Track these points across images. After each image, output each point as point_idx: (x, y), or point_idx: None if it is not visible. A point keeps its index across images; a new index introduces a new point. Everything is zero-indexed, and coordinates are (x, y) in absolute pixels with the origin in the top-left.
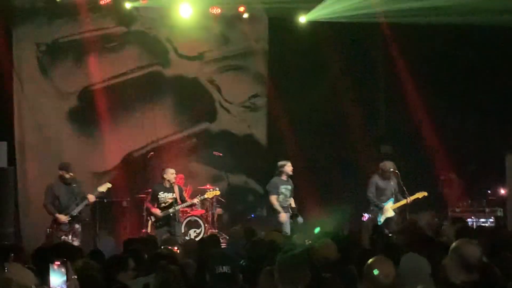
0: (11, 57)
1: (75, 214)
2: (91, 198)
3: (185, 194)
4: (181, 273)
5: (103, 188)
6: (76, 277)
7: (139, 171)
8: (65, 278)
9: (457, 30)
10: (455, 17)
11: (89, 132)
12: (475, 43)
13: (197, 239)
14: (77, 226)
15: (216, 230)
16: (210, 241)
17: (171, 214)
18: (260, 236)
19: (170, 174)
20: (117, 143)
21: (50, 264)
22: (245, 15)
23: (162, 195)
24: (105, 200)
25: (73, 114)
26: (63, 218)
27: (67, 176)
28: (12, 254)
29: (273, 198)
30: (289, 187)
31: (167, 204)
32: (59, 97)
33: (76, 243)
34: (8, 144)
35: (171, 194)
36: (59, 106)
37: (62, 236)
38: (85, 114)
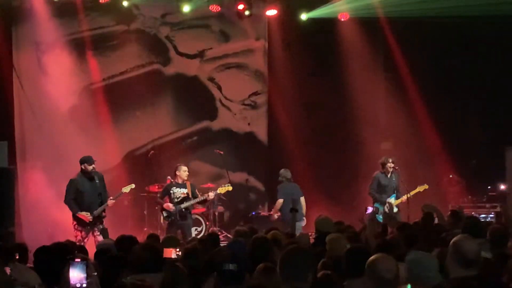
0: (11, 57)
1: (96, 215)
2: (111, 203)
3: (197, 191)
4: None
5: (126, 189)
6: (96, 273)
7: (140, 170)
8: (85, 275)
9: (457, 26)
10: (455, 12)
11: (89, 131)
12: (475, 39)
13: (198, 237)
14: (99, 224)
15: (217, 228)
16: (210, 240)
17: (183, 209)
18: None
19: (183, 171)
20: (118, 141)
21: (70, 261)
22: (245, 13)
23: (174, 190)
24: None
25: (74, 113)
26: (87, 216)
27: (89, 168)
28: (17, 254)
29: None
30: None
31: (179, 199)
32: (60, 96)
33: (101, 238)
34: (9, 143)
35: (184, 190)
36: (60, 105)
37: (82, 236)
38: (86, 113)
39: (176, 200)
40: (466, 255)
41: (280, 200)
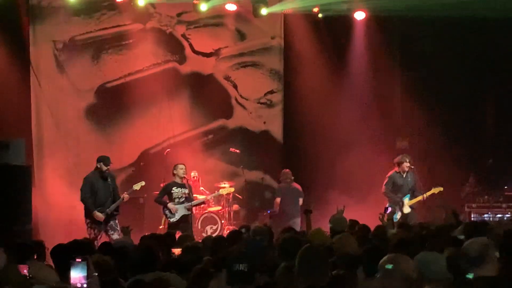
0: (29, 55)
1: (109, 212)
2: (126, 197)
3: (197, 192)
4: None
5: (137, 186)
6: (96, 274)
7: (155, 168)
8: (85, 274)
9: (475, 24)
10: (474, 9)
11: (105, 129)
12: (493, 36)
13: (214, 235)
14: (112, 221)
15: (233, 227)
16: (233, 237)
17: (187, 210)
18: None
19: (180, 169)
20: (134, 140)
21: (71, 261)
22: (262, 11)
23: (175, 190)
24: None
25: (90, 111)
26: (100, 216)
27: (104, 168)
28: (35, 252)
29: None
30: None
31: (181, 199)
32: (76, 94)
33: (115, 236)
34: (26, 141)
35: (185, 190)
36: (76, 103)
37: (95, 233)
38: (102, 111)
39: (177, 200)
40: (469, 254)
41: (278, 199)
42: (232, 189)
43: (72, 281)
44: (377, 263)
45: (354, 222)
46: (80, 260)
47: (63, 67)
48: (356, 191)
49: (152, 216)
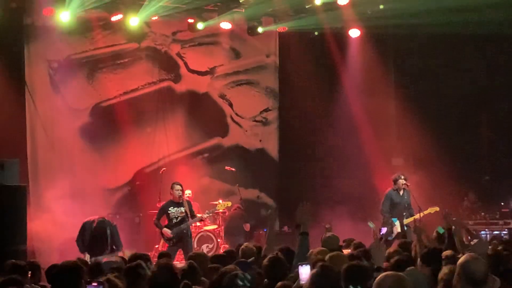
0: (23, 74)
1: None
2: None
3: (194, 209)
4: None
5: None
6: None
7: (151, 187)
8: None
9: (469, 41)
10: (466, 28)
11: (101, 148)
12: (488, 52)
13: (209, 254)
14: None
15: (229, 246)
16: (227, 258)
17: (184, 231)
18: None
19: (175, 190)
20: (129, 159)
21: (87, 285)
22: (258, 30)
23: (172, 210)
24: (117, 216)
25: (85, 130)
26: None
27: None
28: (30, 272)
29: None
30: None
31: (178, 219)
32: (71, 113)
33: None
34: (21, 161)
35: (182, 208)
36: (71, 122)
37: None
38: (97, 130)
39: (175, 220)
40: (474, 275)
41: None
42: (229, 203)
43: None
44: (358, 281)
45: (349, 240)
46: (96, 284)
47: (58, 86)
48: (351, 208)
49: (148, 236)
